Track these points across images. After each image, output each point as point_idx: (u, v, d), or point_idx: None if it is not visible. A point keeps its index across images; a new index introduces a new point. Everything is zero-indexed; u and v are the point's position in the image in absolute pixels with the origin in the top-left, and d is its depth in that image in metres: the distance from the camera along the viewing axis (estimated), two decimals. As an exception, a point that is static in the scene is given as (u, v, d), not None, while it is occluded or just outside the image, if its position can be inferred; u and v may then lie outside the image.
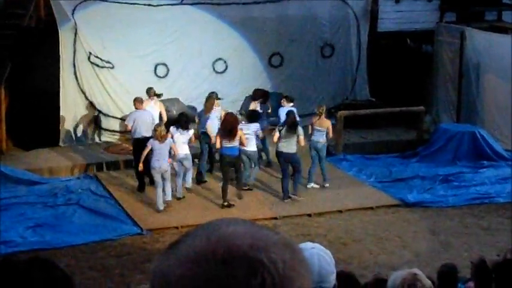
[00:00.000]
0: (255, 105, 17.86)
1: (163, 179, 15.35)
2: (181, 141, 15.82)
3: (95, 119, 19.59)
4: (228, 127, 15.43)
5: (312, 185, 16.96)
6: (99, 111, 19.60)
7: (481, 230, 15.20)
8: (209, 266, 1.37)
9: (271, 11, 20.87)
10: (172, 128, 15.94)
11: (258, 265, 1.37)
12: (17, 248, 13.72)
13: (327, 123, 16.91)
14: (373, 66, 21.93)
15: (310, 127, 16.95)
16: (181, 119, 16.08)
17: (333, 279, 3.59)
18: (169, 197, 15.58)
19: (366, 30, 21.97)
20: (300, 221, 15.48)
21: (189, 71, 20.28)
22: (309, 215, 15.74)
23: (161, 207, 15.45)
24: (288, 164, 16.08)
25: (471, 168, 18.41)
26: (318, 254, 3.55)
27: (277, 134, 16.01)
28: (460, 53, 20.67)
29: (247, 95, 19.93)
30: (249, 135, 15.97)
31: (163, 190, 15.44)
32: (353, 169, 18.09)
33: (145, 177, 16.40)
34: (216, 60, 20.57)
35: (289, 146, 15.90)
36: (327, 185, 17.01)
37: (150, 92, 17.57)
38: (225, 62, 20.64)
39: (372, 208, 16.19)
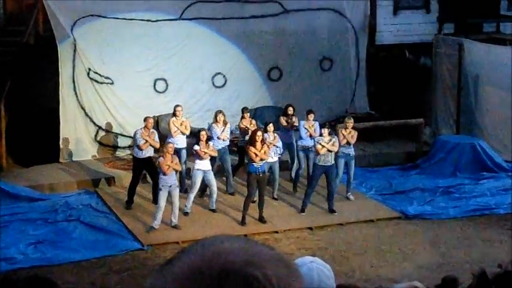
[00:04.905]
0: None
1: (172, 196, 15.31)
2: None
3: (94, 135, 19.61)
4: None
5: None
6: (99, 127, 19.61)
7: (482, 241, 15.18)
8: (204, 283, 1.37)
9: (270, 25, 20.91)
10: (195, 146, 15.86)
11: (252, 281, 1.38)
12: (18, 265, 13.66)
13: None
14: (372, 79, 21.95)
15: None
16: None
17: (332, 293, 3.58)
18: (176, 219, 15.45)
19: (364, 43, 22.01)
20: (301, 235, 15.46)
21: (189, 86, 20.31)
22: (310, 229, 15.73)
23: (156, 227, 15.30)
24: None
25: (471, 179, 18.40)
26: (317, 268, 3.55)
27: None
28: (459, 65, 20.69)
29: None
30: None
31: (172, 211, 15.39)
32: (353, 182, 18.05)
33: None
34: (215, 75, 20.60)
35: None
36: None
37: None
38: (224, 76, 20.67)
39: (372, 221, 16.18)
